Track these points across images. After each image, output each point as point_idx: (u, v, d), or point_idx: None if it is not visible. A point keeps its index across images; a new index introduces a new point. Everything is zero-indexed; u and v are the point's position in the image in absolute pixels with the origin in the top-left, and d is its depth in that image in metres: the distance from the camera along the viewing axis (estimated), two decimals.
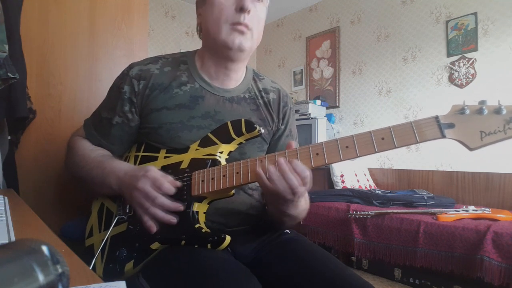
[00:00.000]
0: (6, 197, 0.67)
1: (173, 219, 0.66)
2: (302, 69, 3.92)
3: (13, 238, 0.43)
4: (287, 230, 0.83)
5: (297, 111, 3.17)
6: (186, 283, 0.59)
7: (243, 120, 0.71)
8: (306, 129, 3.07)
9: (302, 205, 0.72)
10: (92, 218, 0.80)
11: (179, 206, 0.67)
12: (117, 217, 0.73)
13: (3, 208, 0.59)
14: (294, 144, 0.65)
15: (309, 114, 3.16)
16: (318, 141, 3.09)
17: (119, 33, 1.28)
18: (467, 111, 0.54)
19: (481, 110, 0.53)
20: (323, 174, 2.98)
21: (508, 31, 2.46)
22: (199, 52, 0.84)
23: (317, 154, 0.61)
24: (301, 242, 0.77)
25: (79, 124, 1.19)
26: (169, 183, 0.67)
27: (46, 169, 1.11)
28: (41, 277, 0.22)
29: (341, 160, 0.60)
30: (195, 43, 3.98)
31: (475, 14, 2.60)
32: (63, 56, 1.15)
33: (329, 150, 0.60)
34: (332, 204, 2.45)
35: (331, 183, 2.93)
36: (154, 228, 0.67)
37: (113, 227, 0.72)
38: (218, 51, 0.77)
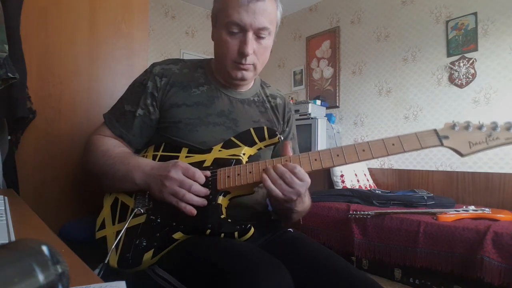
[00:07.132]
0: (6, 197, 0.67)
1: (205, 201, 0.70)
2: (302, 69, 3.91)
3: (13, 238, 0.43)
4: (290, 229, 0.88)
5: (297, 111, 3.16)
6: (217, 270, 0.60)
7: (265, 127, 0.79)
8: (306, 129, 3.06)
9: (306, 201, 0.81)
10: (104, 211, 0.81)
11: (208, 192, 0.72)
12: (135, 210, 0.75)
13: (3, 208, 0.59)
14: (290, 143, 0.74)
15: (309, 114, 3.16)
16: (318, 141, 3.05)
17: (119, 33, 1.28)
18: (457, 127, 0.68)
19: (467, 127, 0.67)
20: (323, 174, 2.98)
21: (508, 31, 2.46)
22: (213, 61, 0.91)
23: (338, 155, 0.70)
24: (304, 239, 0.82)
25: (79, 124, 1.20)
26: (201, 172, 0.72)
27: (46, 169, 1.11)
28: (41, 277, 0.22)
29: (358, 161, 0.69)
30: (195, 43, 3.98)
31: (475, 14, 2.60)
32: (63, 56, 1.15)
33: (348, 152, 0.69)
34: (332, 204, 2.45)
35: (331, 183, 2.92)
36: (194, 211, 0.70)
37: (131, 219, 0.74)
38: (225, 74, 0.85)
